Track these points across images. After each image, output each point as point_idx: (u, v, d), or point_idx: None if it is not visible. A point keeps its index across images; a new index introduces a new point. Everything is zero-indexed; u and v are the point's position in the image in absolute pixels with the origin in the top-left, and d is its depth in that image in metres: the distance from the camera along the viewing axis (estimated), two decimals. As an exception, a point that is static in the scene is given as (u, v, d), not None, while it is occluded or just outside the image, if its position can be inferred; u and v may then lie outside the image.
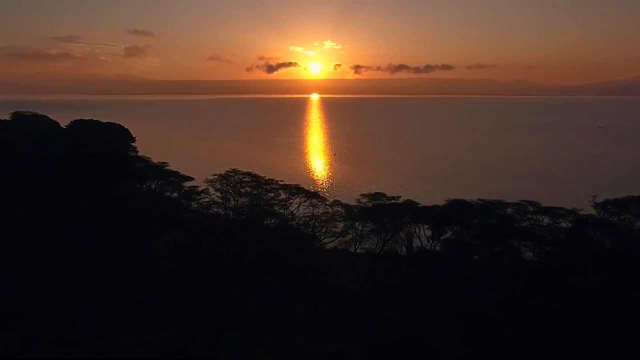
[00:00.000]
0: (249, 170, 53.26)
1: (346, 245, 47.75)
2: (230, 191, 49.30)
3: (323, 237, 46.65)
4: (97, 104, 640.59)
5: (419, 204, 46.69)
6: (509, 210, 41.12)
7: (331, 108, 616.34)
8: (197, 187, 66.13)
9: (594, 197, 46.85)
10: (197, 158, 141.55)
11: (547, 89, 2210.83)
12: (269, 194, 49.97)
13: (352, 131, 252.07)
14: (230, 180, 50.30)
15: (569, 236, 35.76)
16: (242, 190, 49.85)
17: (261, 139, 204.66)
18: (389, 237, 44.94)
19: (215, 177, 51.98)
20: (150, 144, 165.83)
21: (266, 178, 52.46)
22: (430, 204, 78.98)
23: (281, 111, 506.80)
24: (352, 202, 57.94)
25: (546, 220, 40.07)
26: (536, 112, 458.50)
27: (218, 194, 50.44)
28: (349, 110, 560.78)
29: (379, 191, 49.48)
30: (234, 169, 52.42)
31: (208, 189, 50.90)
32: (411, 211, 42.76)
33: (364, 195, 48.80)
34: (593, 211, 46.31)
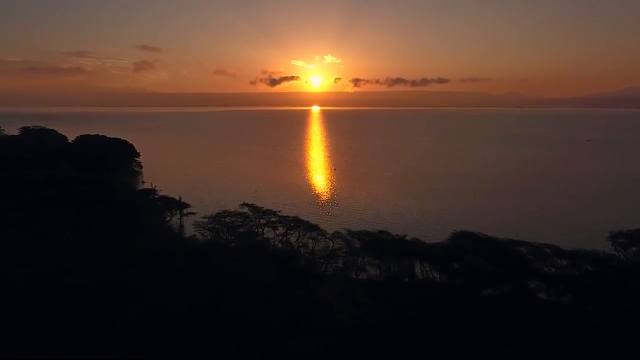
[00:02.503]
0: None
1: (347, 272, 46.13)
2: (224, 231, 47.27)
3: (323, 270, 44.84)
4: (107, 117, 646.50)
5: (424, 242, 44.63)
6: (523, 249, 38.98)
7: (331, 120, 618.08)
8: (192, 213, 63.96)
9: (611, 233, 44.82)
10: (198, 174, 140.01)
11: (538, 101, 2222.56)
12: (266, 229, 48.03)
13: (351, 144, 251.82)
14: (220, 221, 48.22)
15: (589, 281, 33.68)
16: (237, 223, 47.90)
17: (264, 154, 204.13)
18: (392, 269, 43.20)
19: (206, 219, 49.87)
20: (154, 159, 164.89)
21: (264, 209, 50.54)
22: (433, 225, 77.86)
23: (283, 124, 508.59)
24: (353, 226, 55.81)
25: (564, 262, 38.02)
26: (527, 125, 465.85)
27: (211, 233, 48.14)
28: (349, 122, 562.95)
29: (382, 229, 47.56)
30: (225, 210, 50.43)
31: (195, 235, 48.73)
32: (417, 250, 40.87)
33: (367, 234, 46.55)
34: (600, 239, 44.41)
